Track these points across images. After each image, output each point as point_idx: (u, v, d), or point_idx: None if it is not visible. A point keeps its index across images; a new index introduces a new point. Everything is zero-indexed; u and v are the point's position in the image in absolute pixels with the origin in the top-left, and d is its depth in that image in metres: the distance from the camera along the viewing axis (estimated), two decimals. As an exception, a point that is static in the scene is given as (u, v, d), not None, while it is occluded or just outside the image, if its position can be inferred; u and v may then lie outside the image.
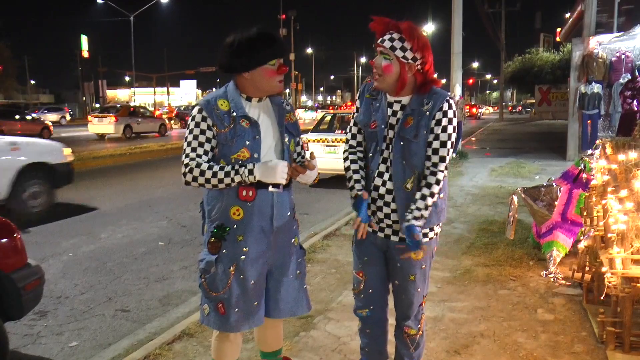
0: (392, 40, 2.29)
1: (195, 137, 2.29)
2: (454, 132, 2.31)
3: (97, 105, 36.59)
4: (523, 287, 4.32)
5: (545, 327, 3.59)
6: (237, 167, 2.24)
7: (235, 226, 2.31)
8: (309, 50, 58.00)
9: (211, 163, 2.26)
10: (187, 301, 4.40)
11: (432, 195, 2.29)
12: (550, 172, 9.90)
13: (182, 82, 62.42)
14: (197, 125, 2.30)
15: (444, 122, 2.28)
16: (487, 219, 6.75)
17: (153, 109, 35.95)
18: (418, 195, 2.30)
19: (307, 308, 2.58)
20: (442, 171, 2.30)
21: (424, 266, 2.45)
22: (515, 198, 5.31)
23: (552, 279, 4.43)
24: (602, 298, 3.36)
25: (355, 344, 3.38)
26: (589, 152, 4.92)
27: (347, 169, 2.48)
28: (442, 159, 2.29)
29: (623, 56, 11.36)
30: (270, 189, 2.33)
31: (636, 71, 10.37)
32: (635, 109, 9.43)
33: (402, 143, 2.31)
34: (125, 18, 40.86)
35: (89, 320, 4.05)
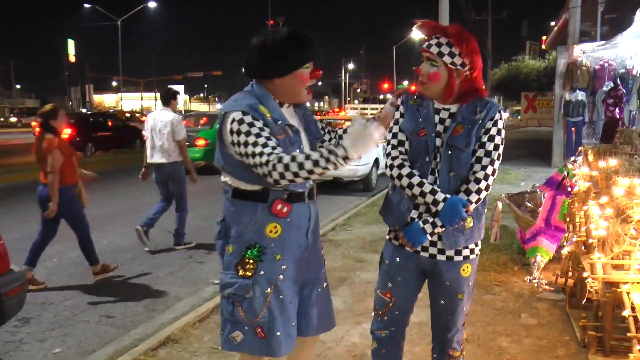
0: (439, 45, 2.15)
1: (258, 135, 1.98)
2: (501, 144, 2.18)
3: (85, 111, 36.35)
4: (507, 292, 4.36)
5: (529, 331, 3.63)
6: (325, 154, 1.89)
7: (272, 244, 2.10)
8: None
9: (294, 154, 1.93)
10: (173, 307, 4.39)
11: (468, 202, 2.14)
12: (536, 178, 10.01)
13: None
14: (251, 125, 2.00)
15: (493, 131, 2.15)
16: (472, 225, 6.79)
17: (141, 114, 35.86)
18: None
19: (334, 323, 2.42)
20: (483, 181, 2.14)
21: (471, 283, 2.34)
22: (499, 204, 5.37)
23: (535, 284, 4.48)
24: (583, 303, 3.41)
25: (340, 349, 3.40)
26: (572, 158, 4.99)
27: (410, 174, 2.19)
28: (484, 168, 2.14)
29: (606, 64, 11.53)
30: (307, 200, 2.17)
31: (618, 79, 10.53)
32: (618, 116, 9.59)
33: (450, 152, 2.17)
34: (112, 23, 40.68)
35: (73, 327, 4.02)
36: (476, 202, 2.15)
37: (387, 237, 2.40)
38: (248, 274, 2.10)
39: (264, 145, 1.95)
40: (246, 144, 1.98)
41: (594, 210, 3.36)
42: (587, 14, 14.93)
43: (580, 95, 11.78)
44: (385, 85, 60.59)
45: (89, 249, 5.07)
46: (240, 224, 2.11)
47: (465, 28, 2.21)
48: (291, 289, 2.17)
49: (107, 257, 5.80)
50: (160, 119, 5.95)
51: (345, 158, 1.87)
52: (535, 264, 4.61)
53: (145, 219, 6.10)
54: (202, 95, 75.56)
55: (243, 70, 2.19)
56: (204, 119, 14.39)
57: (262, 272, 2.10)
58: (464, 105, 2.19)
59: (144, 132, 6.30)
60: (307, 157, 1.90)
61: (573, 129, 12.04)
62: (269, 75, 2.11)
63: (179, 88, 65.72)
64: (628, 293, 2.90)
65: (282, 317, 2.13)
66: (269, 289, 2.10)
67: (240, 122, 2.00)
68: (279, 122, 2.08)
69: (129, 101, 54.67)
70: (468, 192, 2.13)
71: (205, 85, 79.17)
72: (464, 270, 2.28)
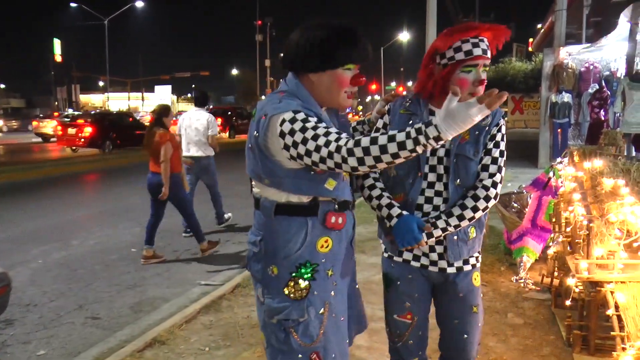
0: (488, 47, 1.98)
1: (315, 128, 1.72)
2: (504, 150, 2.09)
3: (71, 111, 36.00)
4: (494, 292, 4.39)
5: (515, 331, 3.65)
6: (413, 134, 1.63)
7: (323, 260, 1.90)
8: (286, 57, 57.98)
9: (373, 136, 1.68)
10: (159, 308, 4.36)
11: (474, 210, 2.01)
12: (523, 179, 10.07)
13: (156, 88, 61.65)
14: (305, 120, 1.74)
15: (498, 137, 2.05)
16: (459, 226, 6.82)
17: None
18: (457, 204, 2.02)
19: (366, 324, 2.23)
20: (492, 189, 2.03)
21: (482, 294, 2.22)
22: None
23: (522, 284, 4.51)
24: (568, 302, 3.44)
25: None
26: (558, 160, 5.04)
27: (371, 186, 2.12)
28: (492, 176, 2.03)
29: (591, 67, 11.65)
30: (351, 208, 1.99)
31: (603, 82, 10.66)
32: (602, 118, 9.70)
33: (455, 161, 2.03)
34: (99, 22, 40.37)
35: (58, 329, 3.98)
36: (483, 211, 2.03)
37: (386, 255, 2.23)
38: (300, 295, 1.88)
39: (327, 134, 1.71)
40: (304, 140, 1.72)
41: (579, 210, 3.39)
42: (573, 17, 15.09)
43: (566, 97, 11.90)
44: (373, 87, 60.76)
45: (195, 227, 5.74)
46: (289, 242, 1.86)
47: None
48: (341, 304, 1.99)
49: (93, 258, 5.76)
50: (196, 117, 6.71)
51: (438, 139, 1.62)
52: (522, 264, 4.65)
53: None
54: (189, 95, 75.09)
55: (281, 63, 1.96)
56: None
57: (315, 292, 1.89)
58: None
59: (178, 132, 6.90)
60: (391, 138, 1.64)
61: (559, 130, 12.16)
62: (304, 67, 1.86)
63: (167, 88, 64.61)
64: (612, 292, 2.93)
65: (336, 337, 1.95)
66: (322, 309, 1.90)
67: (293, 120, 1.75)
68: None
69: (115, 101, 54.12)
70: (476, 198, 2.01)
71: (193, 86, 78.63)
72: (475, 279, 2.15)
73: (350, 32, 1.84)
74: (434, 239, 2.03)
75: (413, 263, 2.14)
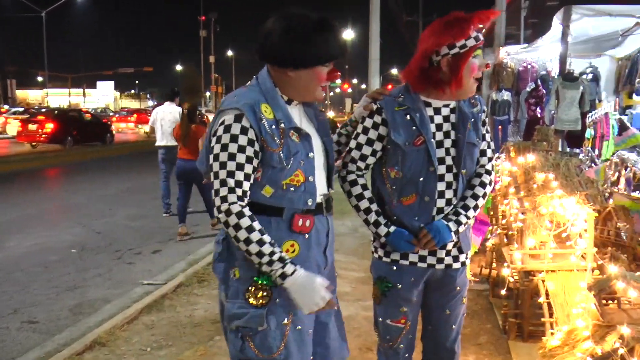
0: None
1: (232, 157, 1.71)
2: None
3: (7, 107, 34.29)
4: (435, 285, 4.50)
5: (455, 321, 3.76)
6: (276, 257, 1.68)
7: None
8: (230, 53, 57.33)
9: (252, 223, 1.69)
10: (100, 310, 4.24)
11: (484, 196, 2.07)
12: (464, 175, 10.37)
13: (99, 84, 59.63)
14: (234, 139, 1.71)
15: (486, 122, 2.12)
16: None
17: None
18: (469, 195, 2.05)
19: (348, 351, 2.09)
20: (493, 173, 2.11)
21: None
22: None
23: (462, 276, 4.65)
24: (504, 292, 3.58)
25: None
26: (497, 155, 5.23)
27: (359, 196, 2.04)
28: (490, 160, 2.12)
29: (529, 66, 12.07)
30: (325, 213, 1.89)
31: (539, 80, 11.10)
32: (539, 115, 10.11)
33: (463, 150, 2.02)
34: (36, 14, 38.68)
35: (-10, 334, 3.82)
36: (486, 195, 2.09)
37: (388, 259, 2.11)
38: (261, 302, 1.76)
39: (230, 174, 1.70)
40: (216, 158, 1.73)
41: (514, 203, 3.54)
42: (512, 18, 15.64)
43: (506, 95, 12.28)
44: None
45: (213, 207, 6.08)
46: None
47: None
48: (310, 317, 1.84)
49: (30, 259, 5.54)
50: (169, 111, 7.48)
51: (284, 276, 1.70)
52: (462, 256, 4.78)
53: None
54: (133, 91, 73.07)
55: (256, 54, 1.86)
56: None
57: (277, 300, 1.76)
58: (462, 100, 2.05)
59: (150, 124, 7.78)
60: (261, 241, 1.67)
61: (499, 127, 12.56)
62: (285, 63, 1.79)
63: (109, 84, 62.32)
64: (543, 281, 3.08)
65: (301, 352, 1.83)
66: (286, 320, 1.78)
67: (226, 129, 1.72)
68: (282, 125, 1.77)
69: (55, 97, 51.95)
70: (483, 185, 2.07)
71: (137, 82, 76.78)
72: (468, 272, 2.20)
73: (332, 27, 1.81)
74: (458, 233, 2.03)
75: (420, 264, 2.07)
